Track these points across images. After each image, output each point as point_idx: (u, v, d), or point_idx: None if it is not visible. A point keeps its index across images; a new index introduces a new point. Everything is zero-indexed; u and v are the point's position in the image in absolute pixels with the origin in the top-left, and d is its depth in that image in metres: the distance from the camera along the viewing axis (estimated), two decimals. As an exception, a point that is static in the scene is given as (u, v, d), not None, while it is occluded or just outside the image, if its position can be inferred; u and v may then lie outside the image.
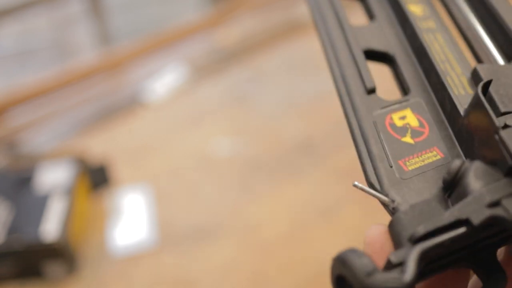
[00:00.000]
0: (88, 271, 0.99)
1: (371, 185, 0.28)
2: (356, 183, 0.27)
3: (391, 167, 0.28)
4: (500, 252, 0.28)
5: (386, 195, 0.27)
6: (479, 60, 0.32)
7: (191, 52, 1.61)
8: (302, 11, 1.71)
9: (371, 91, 0.31)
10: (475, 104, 0.26)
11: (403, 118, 0.29)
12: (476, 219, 0.23)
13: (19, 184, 1.05)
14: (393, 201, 0.27)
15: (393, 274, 0.23)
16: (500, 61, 0.31)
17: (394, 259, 0.24)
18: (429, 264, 0.25)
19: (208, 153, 1.23)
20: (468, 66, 0.31)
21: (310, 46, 1.66)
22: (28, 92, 1.43)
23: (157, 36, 1.62)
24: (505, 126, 0.25)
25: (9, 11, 1.66)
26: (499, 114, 0.26)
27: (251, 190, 1.12)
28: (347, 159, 1.12)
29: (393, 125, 0.29)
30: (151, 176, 1.18)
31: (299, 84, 1.43)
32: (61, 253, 0.95)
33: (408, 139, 0.29)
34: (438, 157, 0.28)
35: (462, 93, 0.29)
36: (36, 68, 1.74)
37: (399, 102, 0.30)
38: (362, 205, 1.04)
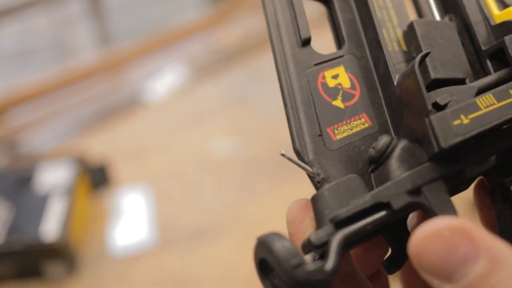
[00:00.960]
0: (88, 271, 0.99)
1: (297, 153, 0.27)
2: (283, 152, 0.27)
3: (320, 135, 0.27)
4: (413, 217, 0.29)
5: (312, 167, 0.27)
6: (417, 7, 0.31)
7: (191, 52, 1.61)
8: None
9: (306, 42, 0.29)
10: (408, 75, 0.25)
11: (335, 77, 0.28)
12: (396, 204, 0.24)
13: (19, 184, 1.05)
14: (318, 174, 0.26)
15: (316, 265, 0.23)
16: (436, 15, 0.30)
17: (315, 240, 0.24)
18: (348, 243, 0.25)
19: (208, 153, 1.23)
20: (405, 15, 0.29)
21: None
22: (28, 92, 1.43)
23: (157, 36, 1.62)
24: (436, 107, 0.24)
25: (9, 11, 1.66)
26: (429, 80, 0.26)
27: (251, 190, 1.12)
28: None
29: (325, 85, 0.28)
30: (151, 176, 1.18)
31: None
32: (61, 253, 0.95)
33: (338, 102, 0.28)
34: (366, 125, 0.27)
35: (396, 49, 0.28)
36: (36, 68, 1.74)
37: (333, 58, 0.29)
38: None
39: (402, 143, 0.25)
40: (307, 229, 0.26)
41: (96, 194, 1.13)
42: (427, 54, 0.26)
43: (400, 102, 0.26)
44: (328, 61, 0.29)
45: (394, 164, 0.25)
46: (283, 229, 0.93)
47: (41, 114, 1.40)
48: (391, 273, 0.27)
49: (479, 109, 0.24)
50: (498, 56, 0.27)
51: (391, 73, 0.27)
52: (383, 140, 0.26)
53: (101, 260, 1.01)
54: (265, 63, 1.53)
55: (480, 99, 0.24)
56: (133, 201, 1.12)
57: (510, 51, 0.26)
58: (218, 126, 1.32)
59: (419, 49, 0.27)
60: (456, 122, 0.23)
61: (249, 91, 1.42)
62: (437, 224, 0.21)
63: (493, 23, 0.28)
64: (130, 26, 1.94)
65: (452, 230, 0.21)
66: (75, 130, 1.36)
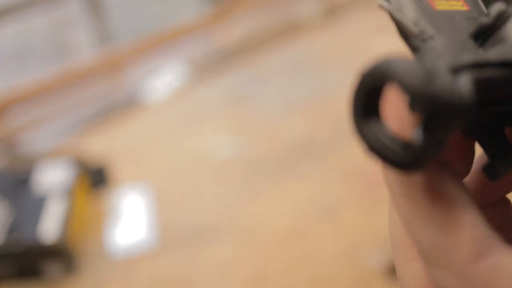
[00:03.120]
0: (88, 271, 0.98)
1: (393, 12, 0.22)
2: (381, 1, 0.22)
3: (420, 0, 0.22)
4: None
5: (415, 24, 0.22)
6: None
7: (191, 52, 1.60)
8: (302, 11, 1.70)
9: None
10: None
11: None
12: None
13: (18, 185, 1.05)
14: (422, 31, 0.21)
15: (455, 85, 0.18)
16: None
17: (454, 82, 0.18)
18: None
19: (208, 153, 1.22)
20: None
21: (310, 46, 1.65)
22: (28, 92, 1.42)
23: (156, 36, 1.61)
24: None
25: (8, 11, 1.65)
26: None
27: (251, 190, 1.12)
28: (348, 159, 1.11)
29: None
30: (151, 176, 1.18)
31: (299, 84, 1.42)
32: (60, 254, 0.94)
33: None
34: (465, 8, 0.24)
35: None
36: (36, 68, 1.74)
37: None
38: (362, 205, 1.03)
39: None
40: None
41: (96, 195, 1.13)
42: None
43: None
44: None
45: None
46: (284, 228, 0.93)
47: (41, 114, 1.39)
48: (495, 178, 0.23)
49: None
50: None
51: None
52: (498, 5, 0.22)
53: (101, 260, 1.00)
54: (265, 63, 1.53)
55: None
56: (133, 201, 1.11)
57: None
58: (218, 126, 1.31)
59: None
60: None
61: (249, 91, 1.42)
62: None
63: None
64: (129, 25, 1.94)
65: None
66: (74, 130, 1.35)
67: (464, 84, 0.18)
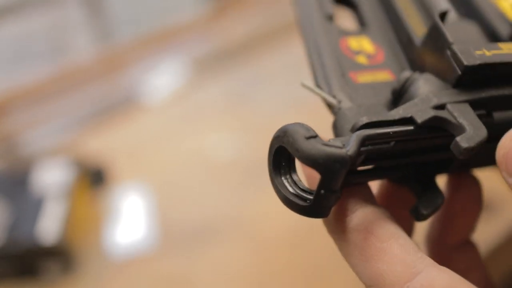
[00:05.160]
0: (87, 272, 0.98)
1: (319, 88, 0.28)
2: (304, 82, 0.27)
3: (343, 76, 0.28)
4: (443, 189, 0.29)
5: (334, 97, 0.27)
6: None
7: (191, 52, 1.60)
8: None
9: (329, 18, 0.31)
10: (432, 29, 0.26)
11: (359, 44, 0.29)
12: (420, 118, 0.23)
13: (16, 185, 1.04)
14: (339, 101, 0.26)
15: (334, 142, 0.22)
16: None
17: (333, 142, 0.23)
18: (369, 162, 0.25)
19: (209, 153, 1.22)
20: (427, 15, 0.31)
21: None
22: (26, 92, 1.42)
23: (156, 34, 1.61)
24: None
25: (7, 9, 1.65)
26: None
27: (252, 190, 1.11)
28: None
29: (348, 47, 0.29)
30: (151, 176, 1.17)
31: (300, 84, 1.42)
32: (59, 254, 0.94)
33: (362, 59, 0.29)
34: (391, 79, 0.28)
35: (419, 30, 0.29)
36: (35, 68, 1.74)
37: (357, 31, 0.30)
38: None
39: (426, 74, 0.26)
40: None
41: (95, 195, 1.12)
42: (445, 12, 0.26)
43: (423, 58, 0.27)
44: (352, 33, 0.30)
45: (419, 87, 0.25)
46: (285, 229, 0.91)
47: (40, 114, 1.39)
48: (419, 219, 0.26)
49: (501, 49, 0.24)
50: None
51: (412, 37, 0.28)
52: (405, 72, 0.26)
53: (100, 261, 1.00)
54: (266, 63, 1.53)
55: (502, 44, 0.24)
56: (133, 201, 1.11)
57: None
58: (219, 126, 1.31)
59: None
60: (479, 52, 0.24)
61: (249, 91, 1.42)
62: None
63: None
64: (129, 24, 1.94)
65: None
66: (74, 130, 1.35)
67: (350, 142, 0.22)
